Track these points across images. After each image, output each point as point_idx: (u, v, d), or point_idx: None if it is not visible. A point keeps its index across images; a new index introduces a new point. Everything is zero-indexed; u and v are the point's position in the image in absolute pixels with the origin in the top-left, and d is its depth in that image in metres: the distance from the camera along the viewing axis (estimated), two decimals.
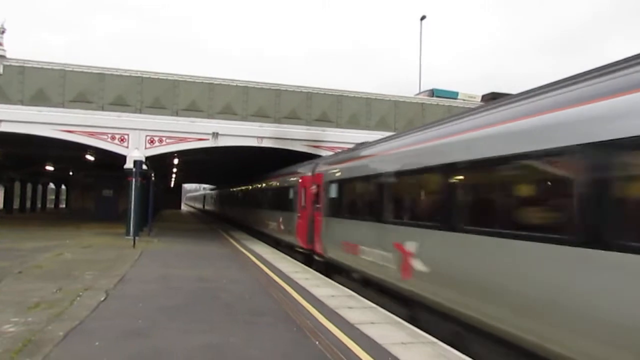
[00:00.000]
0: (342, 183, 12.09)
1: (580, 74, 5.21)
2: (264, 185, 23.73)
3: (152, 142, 20.00)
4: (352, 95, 22.47)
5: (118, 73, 19.92)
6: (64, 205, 57.36)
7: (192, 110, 20.37)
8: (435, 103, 23.32)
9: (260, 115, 21.04)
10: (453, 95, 25.53)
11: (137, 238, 17.61)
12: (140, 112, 19.90)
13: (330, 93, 22.20)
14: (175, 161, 28.41)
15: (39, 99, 18.92)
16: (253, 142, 20.93)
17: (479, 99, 25.53)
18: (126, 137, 19.78)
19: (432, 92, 25.73)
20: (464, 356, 5.56)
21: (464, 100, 24.59)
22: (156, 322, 6.74)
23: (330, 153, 21.49)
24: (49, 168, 36.67)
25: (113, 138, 19.72)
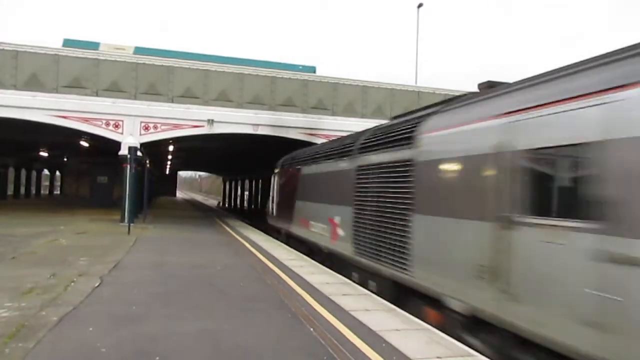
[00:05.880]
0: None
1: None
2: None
3: (147, 128, 19.87)
4: (349, 83, 22.36)
5: (112, 58, 19.73)
6: (58, 192, 57.16)
7: (188, 97, 20.23)
8: (432, 91, 23.20)
9: (256, 103, 20.92)
10: (93, 46, 23.31)
11: (132, 225, 17.58)
12: (135, 99, 19.74)
13: (326, 81, 22.09)
14: (171, 148, 28.30)
15: (33, 84, 18.73)
16: (249, 130, 20.84)
17: (132, 51, 23.67)
18: (121, 123, 19.65)
19: (63, 42, 23.76)
20: (457, 342, 5.60)
21: (109, 52, 21.49)
22: (150, 308, 6.75)
23: (326, 141, 21.53)
24: (43, 154, 36.48)
25: (108, 124, 19.58)
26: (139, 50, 23.86)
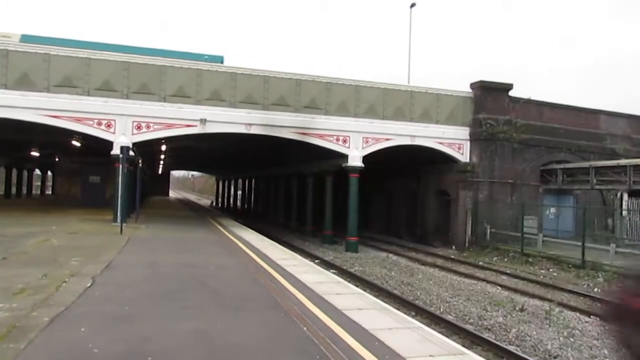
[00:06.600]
0: None
1: None
2: None
3: (139, 128, 19.77)
4: (341, 82, 22.35)
5: (104, 57, 19.59)
6: (50, 192, 56.78)
7: (180, 96, 20.14)
8: (425, 91, 23.27)
9: (249, 102, 20.87)
10: None
11: (124, 224, 17.50)
12: (127, 98, 19.62)
13: (319, 80, 22.06)
14: (163, 148, 28.22)
15: (24, 83, 18.57)
16: (241, 129, 20.78)
17: (17, 39, 22.27)
18: (113, 122, 19.53)
19: None
20: (448, 340, 5.63)
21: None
22: (143, 308, 6.73)
23: (320, 140, 21.55)
24: (35, 154, 36.24)
25: (99, 124, 19.46)
26: (25, 38, 22.70)
